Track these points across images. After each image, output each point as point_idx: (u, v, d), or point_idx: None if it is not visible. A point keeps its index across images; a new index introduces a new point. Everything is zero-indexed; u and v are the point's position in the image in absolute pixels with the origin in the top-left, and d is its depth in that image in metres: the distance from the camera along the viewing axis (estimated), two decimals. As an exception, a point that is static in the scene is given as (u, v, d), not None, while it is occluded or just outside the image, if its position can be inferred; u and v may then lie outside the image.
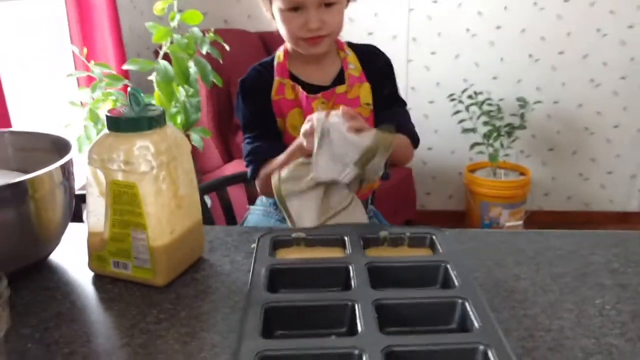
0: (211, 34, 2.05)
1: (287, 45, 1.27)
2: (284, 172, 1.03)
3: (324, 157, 1.00)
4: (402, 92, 3.20)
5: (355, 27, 3.15)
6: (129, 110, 0.85)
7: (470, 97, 3.11)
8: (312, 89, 1.25)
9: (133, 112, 0.84)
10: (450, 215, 3.44)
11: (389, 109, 1.30)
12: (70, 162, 0.89)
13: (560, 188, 3.40)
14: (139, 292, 0.83)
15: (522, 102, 3.10)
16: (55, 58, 2.39)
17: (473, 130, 3.10)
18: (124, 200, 0.83)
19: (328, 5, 1.17)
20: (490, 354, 0.62)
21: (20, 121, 1.96)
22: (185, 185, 0.86)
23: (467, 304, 0.71)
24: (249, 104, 1.29)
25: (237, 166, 2.54)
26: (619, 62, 3.15)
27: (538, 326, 0.74)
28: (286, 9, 1.17)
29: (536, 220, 3.34)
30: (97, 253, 0.88)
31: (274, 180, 1.03)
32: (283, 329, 0.72)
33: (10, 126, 1.78)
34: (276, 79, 1.26)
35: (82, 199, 0.96)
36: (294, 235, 0.91)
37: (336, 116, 1.02)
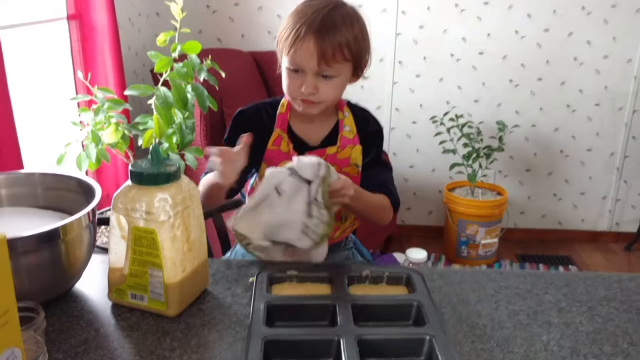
0: (208, 62, 2.17)
1: (285, 93, 1.33)
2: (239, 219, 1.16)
3: (265, 217, 1.12)
4: (386, 112, 3.37)
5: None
6: (148, 164, 0.97)
7: (452, 119, 3.26)
8: (304, 146, 1.33)
9: (153, 168, 0.97)
10: (430, 230, 3.60)
11: (373, 170, 1.37)
12: (96, 207, 1.02)
13: (536, 207, 3.58)
14: (153, 321, 0.96)
15: (501, 126, 3.26)
16: (56, 81, 2.49)
17: (453, 151, 3.25)
18: (144, 243, 0.95)
19: (326, 77, 1.23)
20: (449, 386, 0.76)
21: (24, 142, 2.07)
22: (196, 230, 0.99)
23: (434, 340, 0.86)
24: (235, 135, 1.30)
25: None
26: (594, 90, 3.33)
27: (493, 359, 0.88)
28: (289, 69, 1.25)
29: (511, 237, 3.51)
30: (117, 287, 1.01)
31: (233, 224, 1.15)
32: (279, 358, 0.85)
33: (18, 148, 1.89)
34: (276, 129, 1.34)
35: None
36: (287, 272, 1.04)
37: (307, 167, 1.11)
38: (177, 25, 2.03)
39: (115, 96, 2.12)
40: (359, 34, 1.25)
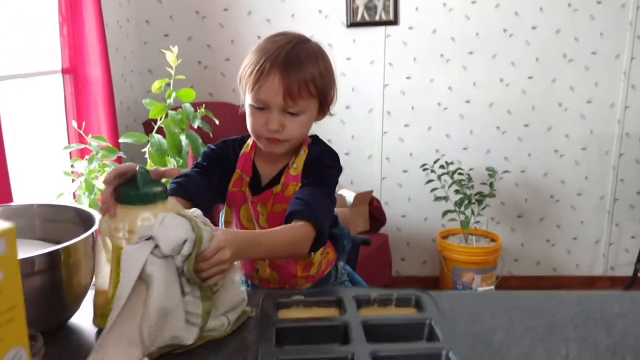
0: (202, 110, 2.20)
1: (250, 132, 1.28)
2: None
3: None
4: (377, 162, 3.39)
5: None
6: (135, 186, 0.96)
7: (442, 166, 3.29)
8: (258, 187, 1.29)
9: (139, 188, 0.96)
10: (424, 280, 3.56)
11: (302, 189, 1.24)
12: (94, 234, 1.00)
13: (529, 254, 3.56)
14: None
15: (491, 172, 3.29)
16: (49, 132, 2.50)
17: (445, 198, 3.26)
18: None
19: (292, 113, 1.19)
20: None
21: (16, 193, 2.04)
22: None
23: (450, 353, 0.82)
24: (202, 163, 1.31)
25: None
26: (580, 134, 3.39)
27: (512, 374, 0.85)
28: (253, 106, 1.20)
29: (507, 285, 3.47)
30: (101, 310, 0.97)
31: None
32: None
33: (11, 196, 1.87)
34: (237, 170, 1.30)
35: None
36: (293, 298, 1.01)
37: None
38: (172, 73, 2.06)
39: (109, 144, 2.12)
40: (324, 70, 1.23)
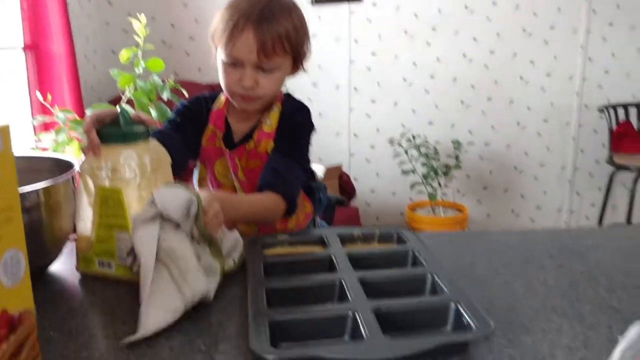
0: (171, 82, 2.17)
1: (223, 88, 1.27)
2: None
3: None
4: (345, 139, 3.41)
5: (301, 78, 3.34)
6: (117, 126, 0.96)
7: (408, 140, 3.33)
8: (231, 143, 1.28)
9: (120, 128, 0.96)
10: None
11: (274, 158, 1.24)
12: (74, 177, 0.99)
13: (495, 223, 3.64)
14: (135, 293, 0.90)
15: (456, 145, 3.35)
16: (10, 107, 2.44)
17: (413, 171, 3.31)
18: (110, 204, 0.92)
19: (266, 70, 1.18)
20: (460, 307, 0.75)
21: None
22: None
23: (435, 276, 0.85)
24: (178, 117, 1.29)
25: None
26: (541, 107, 3.47)
27: (496, 297, 0.88)
28: (226, 63, 1.18)
29: (475, 255, 3.54)
30: (83, 254, 0.96)
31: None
32: (282, 306, 0.82)
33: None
34: (209, 125, 1.29)
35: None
36: (279, 238, 1.02)
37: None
38: (141, 42, 2.03)
39: (77, 116, 2.08)
40: (299, 24, 1.21)
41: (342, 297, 0.81)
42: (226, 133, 1.30)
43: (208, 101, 1.33)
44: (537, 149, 3.54)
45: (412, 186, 3.32)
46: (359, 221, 3.23)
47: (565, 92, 3.46)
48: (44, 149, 2.12)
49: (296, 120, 1.29)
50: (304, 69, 1.30)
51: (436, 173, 3.27)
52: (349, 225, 3.06)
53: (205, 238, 0.89)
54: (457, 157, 3.35)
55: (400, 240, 1.03)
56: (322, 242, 1.02)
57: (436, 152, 3.32)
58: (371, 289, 0.82)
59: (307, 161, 1.32)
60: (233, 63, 1.18)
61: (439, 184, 3.32)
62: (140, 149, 0.95)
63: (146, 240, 0.82)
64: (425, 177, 3.28)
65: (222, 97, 1.32)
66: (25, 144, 2.25)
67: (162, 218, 0.84)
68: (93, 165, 0.93)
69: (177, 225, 0.85)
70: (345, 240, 1.02)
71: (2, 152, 0.52)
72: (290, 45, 1.19)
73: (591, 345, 0.72)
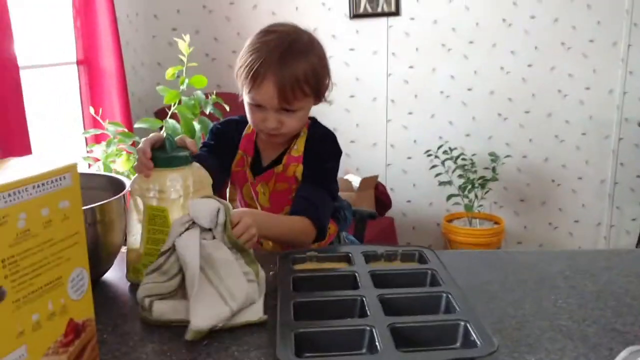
0: (214, 97, 2.29)
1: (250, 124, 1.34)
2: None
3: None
4: (382, 149, 3.48)
5: (338, 91, 3.44)
6: (162, 152, 1.07)
7: (445, 152, 3.38)
8: (259, 167, 1.36)
9: (167, 153, 1.06)
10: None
11: (304, 187, 1.31)
12: (125, 196, 1.10)
13: (532, 236, 3.65)
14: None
15: (494, 157, 3.38)
16: (65, 119, 2.60)
17: (449, 182, 3.35)
18: (157, 222, 1.04)
19: (289, 110, 1.24)
20: (469, 326, 0.82)
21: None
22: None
23: (450, 296, 0.92)
24: (210, 142, 1.38)
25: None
26: (580, 120, 3.47)
27: (506, 314, 0.94)
28: (251, 104, 1.26)
29: (511, 267, 3.56)
30: (133, 265, 1.07)
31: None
32: (309, 319, 0.91)
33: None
34: (239, 151, 1.36)
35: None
36: (307, 253, 1.11)
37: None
38: (185, 60, 2.16)
39: (125, 129, 2.22)
40: (317, 64, 1.25)
41: (362, 313, 0.89)
42: (255, 157, 1.38)
43: (239, 125, 1.41)
44: (575, 162, 3.53)
45: (449, 198, 3.36)
46: (394, 232, 3.30)
47: (604, 105, 3.45)
48: (96, 160, 2.27)
49: (324, 148, 1.36)
50: (326, 99, 1.34)
51: (473, 185, 3.31)
52: (384, 235, 3.13)
53: (236, 247, 0.96)
54: (494, 169, 3.37)
55: (422, 259, 1.10)
56: (347, 259, 1.10)
57: (473, 164, 3.36)
58: (390, 307, 0.89)
59: (336, 188, 1.38)
60: (257, 105, 1.25)
61: (476, 196, 3.35)
62: (185, 172, 1.05)
63: (189, 244, 0.90)
64: (461, 188, 3.32)
65: (251, 123, 1.37)
66: (78, 153, 2.40)
67: (197, 226, 0.93)
68: (142, 186, 1.04)
69: (213, 236, 0.94)
70: (369, 257, 1.10)
71: (71, 188, 0.62)
72: (310, 87, 1.25)
73: (590, 365, 0.79)
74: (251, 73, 1.20)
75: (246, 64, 1.22)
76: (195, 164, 1.10)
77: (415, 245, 1.14)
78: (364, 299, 0.91)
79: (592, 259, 1.18)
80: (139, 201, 1.05)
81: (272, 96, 1.21)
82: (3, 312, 0.54)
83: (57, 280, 0.61)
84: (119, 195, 1.06)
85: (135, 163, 1.07)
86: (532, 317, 0.93)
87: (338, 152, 1.38)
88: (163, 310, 0.91)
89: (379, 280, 0.99)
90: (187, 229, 0.93)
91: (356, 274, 1.01)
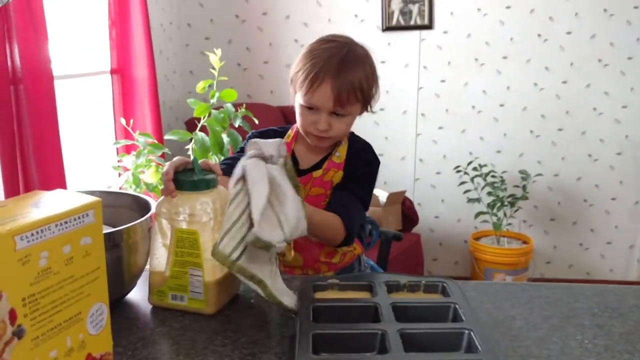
0: (243, 110, 2.30)
1: (298, 126, 1.42)
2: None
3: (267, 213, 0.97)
4: (411, 163, 3.45)
5: (369, 103, 3.42)
6: (189, 174, 1.08)
7: (475, 169, 3.34)
8: (297, 170, 1.34)
9: (195, 176, 1.07)
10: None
11: (339, 193, 1.38)
12: (151, 217, 1.10)
13: (562, 257, 3.58)
14: (205, 323, 1.02)
15: (524, 175, 3.32)
16: (97, 128, 2.65)
17: (478, 200, 3.31)
18: (185, 244, 1.04)
19: (339, 115, 1.32)
20: (490, 368, 0.80)
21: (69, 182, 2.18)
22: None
23: (472, 333, 0.90)
24: (241, 154, 1.38)
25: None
26: (615, 139, 3.39)
27: (530, 354, 0.92)
28: (304, 106, 1.33)
29: (539, 286, 3.49)
30: (157, 289, 1.08)
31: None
32: (327, 352, 0.90)
33: (65, 186, 2.00)
34: None
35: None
36: (329, 281, 1.10)
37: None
38: (215, 74, 2.17)
39: (155, 141, 2.24)
40: (370, 73, 1.34)
41: (382, 348, 0.88)
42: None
43: (277, 133, 1.46)
44: (609, 182, 3.45)
45: (477, 215, 3.32)
46: (420, 248, 3.27)
47: (641, 125, 3.37)
48: (126, 169, 2.29)
49: (365, 158, 1.44)
50: (372, 110, 1.42)
51: (502, 203, 3.26)
52: (410, 251, 3.10)
53: (292, 182, 1.04)
54: (524, 188, 3.32)
55: (445, 291, 1.08)
56: (369, 288, 1.09)
57: (503, 182, 3.31)
58: (411, 342, 0.88)
59: (368, 200, 1.44)
60: (310, 107, 1.32)
61: (505, 214, 3.30)
62: (213, 195, 1.06)
63: (258, 165, 1.00)
64: (490, 206, 3.28)
65: (292, 132, 1.46)
66: (109, 162, 2.43)
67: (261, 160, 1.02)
68: (171, 210, 1.05)
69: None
70: (392, 288, 1.08)
71: (94, 224, 0.62)
72: (362, 94, 1.33)
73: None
74: (310, 76, 1.28)
75: (305, 67, 1.30)
76: (221, 187, 1.11)
77: (438, 276, 1.12)
78: (384, 333, 0.90)
79: (620, 295, 1.14)
80: (165, 224, 1.06)
81: (328, 99, 1.28)
82: (22, 349, 0.55)
83: (77, 316, 0.61)
84: (145, 217, 1.07)
85: (162, 186, 1.09)
86: (555, 358, 0.91)
87: (378, 162, 1.47)
88: (250, 264, 0.97)
89: (400, 312, 0.97)
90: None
91: (378, 306, 0.99)
